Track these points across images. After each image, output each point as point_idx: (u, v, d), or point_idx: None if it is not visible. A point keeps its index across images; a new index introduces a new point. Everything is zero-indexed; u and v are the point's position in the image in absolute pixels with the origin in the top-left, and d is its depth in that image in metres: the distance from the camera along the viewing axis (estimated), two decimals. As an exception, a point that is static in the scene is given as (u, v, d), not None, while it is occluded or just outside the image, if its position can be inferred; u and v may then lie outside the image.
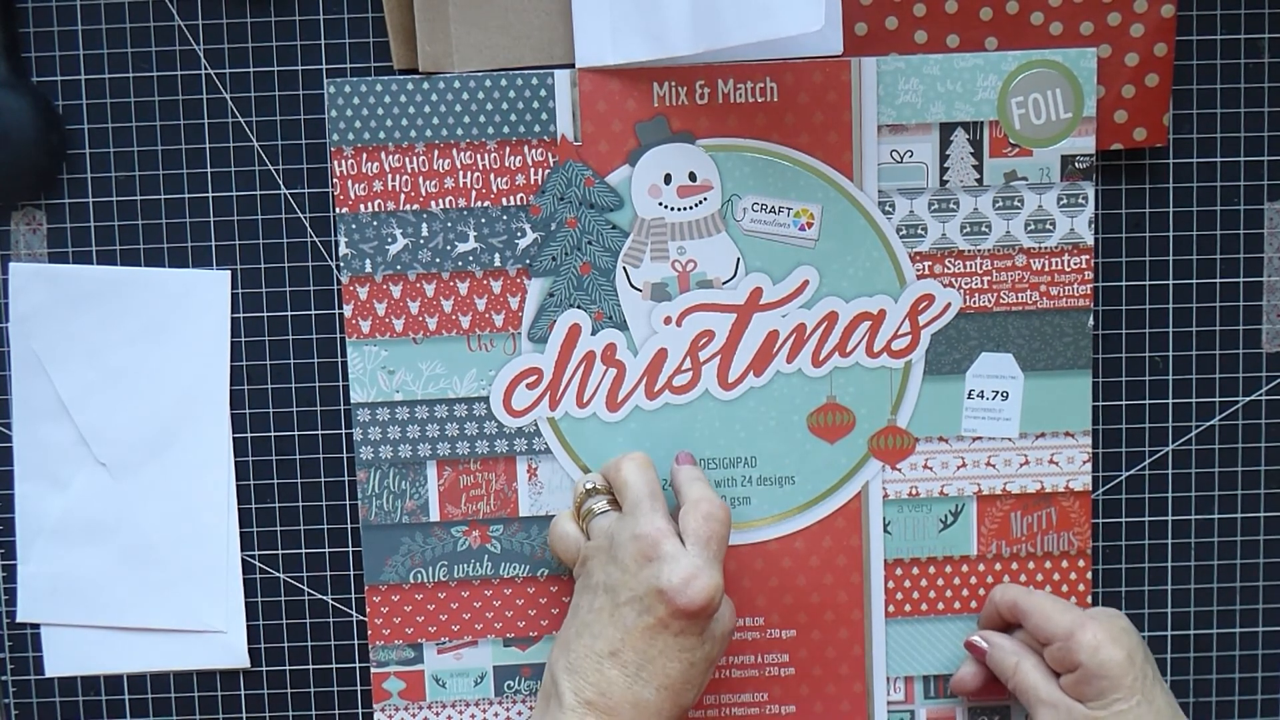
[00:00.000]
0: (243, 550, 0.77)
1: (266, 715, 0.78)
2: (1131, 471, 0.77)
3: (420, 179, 0.73)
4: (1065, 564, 0.76)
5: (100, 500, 0.76)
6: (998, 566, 0.76)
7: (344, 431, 0.76)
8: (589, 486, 0.72)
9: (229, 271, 0.75)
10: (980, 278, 0.74)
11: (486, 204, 0.74)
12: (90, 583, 0.77)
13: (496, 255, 0.74)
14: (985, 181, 0.74)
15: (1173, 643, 0.78)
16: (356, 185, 0.73)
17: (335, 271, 0.75)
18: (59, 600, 0.77)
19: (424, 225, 0.74)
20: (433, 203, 0.74)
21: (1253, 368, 0.77)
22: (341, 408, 0.76)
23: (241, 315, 0.76)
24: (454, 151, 0.73)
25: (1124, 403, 0.77)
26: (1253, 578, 0.78)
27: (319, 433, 0.76)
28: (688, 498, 0.69)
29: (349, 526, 0.77)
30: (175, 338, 0.75)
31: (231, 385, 0.76)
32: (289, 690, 0.78)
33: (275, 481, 0.77)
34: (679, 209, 0.74)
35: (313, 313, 0.76)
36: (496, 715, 0.77)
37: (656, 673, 0.65)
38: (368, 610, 0.76)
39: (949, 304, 0.75)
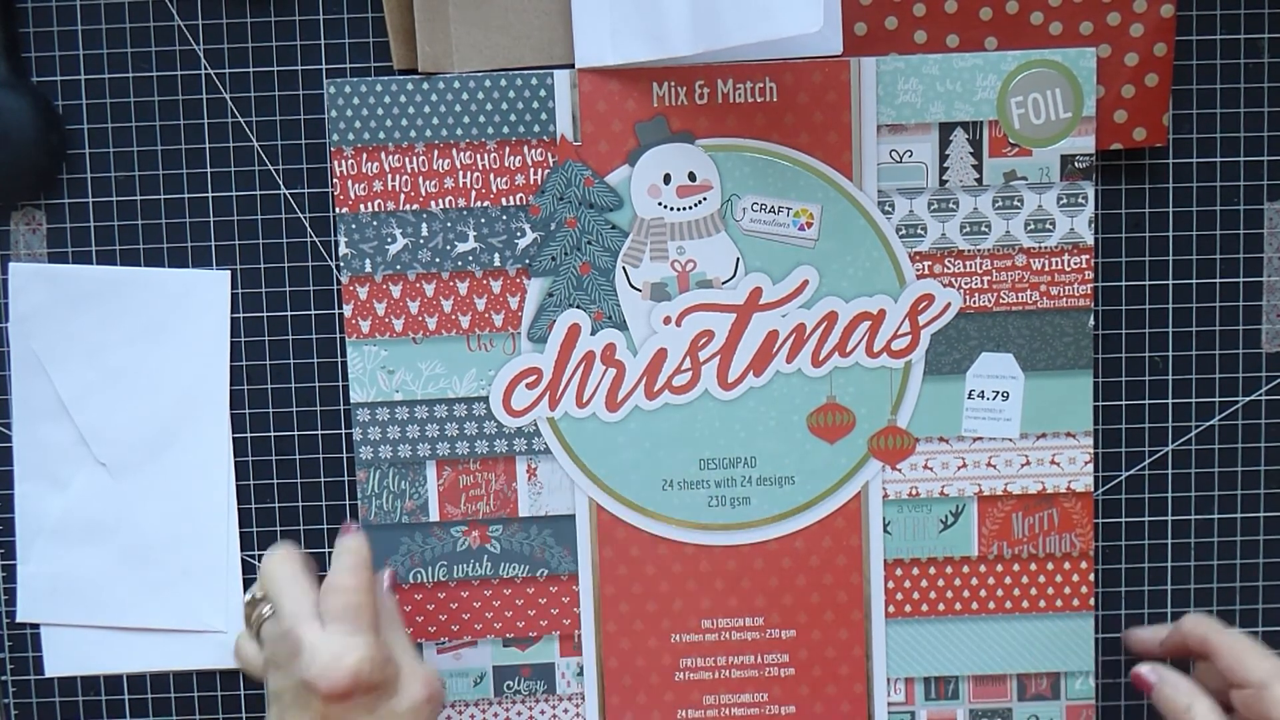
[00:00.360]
0: (243, 550, 0.77)
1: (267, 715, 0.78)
2: (1131, 471, 0.77)
3: (420, 179, 0.74)
4: (1067, 566, 0.76)
5: (100, 500, 0.76)
6: (999, 568, 0.76)
7: (344, 431, 0.76)
8: (250, 597, 0.67)
9: (229, 271, 0.76)
10: (980, 277, 0.74)
11: (486, 204, 0.74)
12: (90, 583, 0.77)
13: (496, 255, 0.74)
14: (985, 181, 0.74)
15: (1173, 643, 0.78)
16: (356, 185, 0.74)
17: (335, 271, 0.75)
18: (59, 600, 0.77)
19: (424, 225, 0.74)
20: (432, 203, 0.74)
21: (1253, 368, 0.77)
22: (341, 408, 0.76)
23: (241, 315, 0.76)
24: (454, 151, 0.73)
25: (1124, 403, 0.77)
26: (1253, 578, 0.78)
27: (319, 433, 0.76)
28: (330, 580, 0.65)
29: (349, 526, 0.77)
30: (175, 338, 0.75)
31: (231, 385, 0.76)
32: (289, 690, 0.78)
33: (275, 481, 0.77)
34: (678, 209, 0.74)
35: (313, 313, 0.76)
36: (496, 715, 0.77)
37: None
38: (367, 610, 0.76)
39: (949, 304, 0.75)
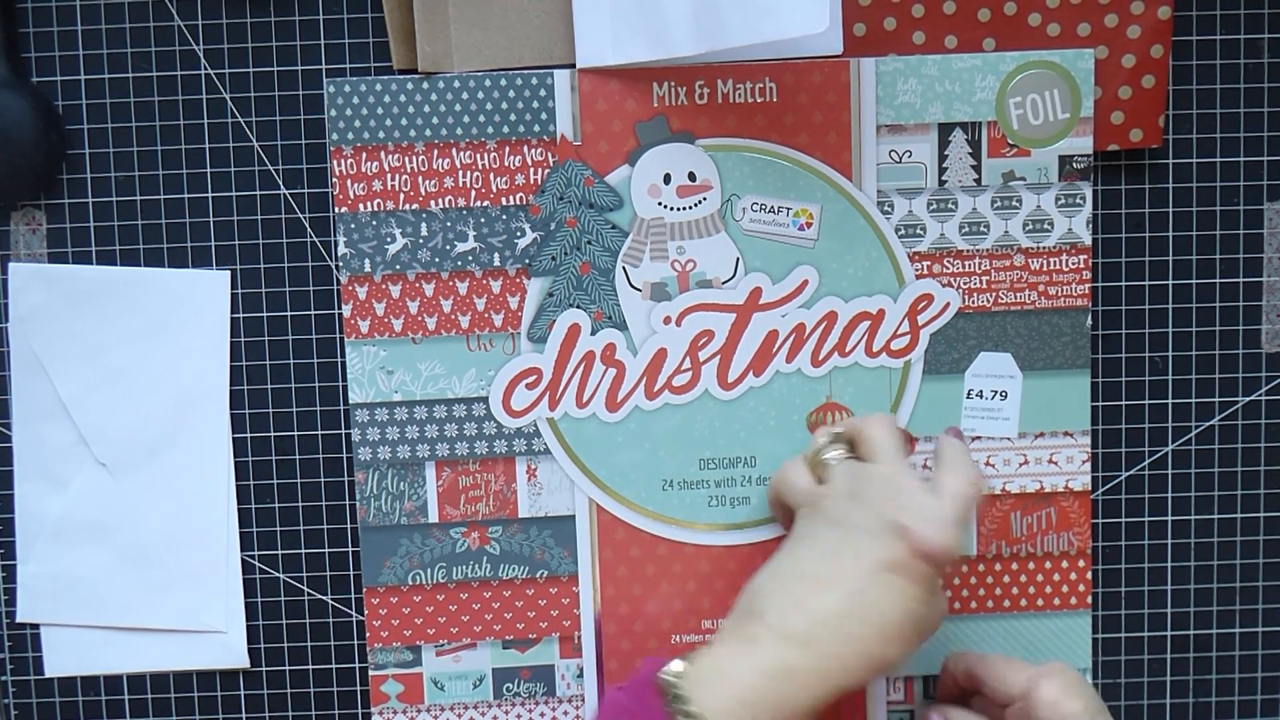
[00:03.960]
0: (243, 550, 0.77)
1: (266, 715, 0.78)
2: (1131, 471, 0.77)
3: (420, 179, 0.74)
4: (1065, 564, 0.76)
5: (100, 500, 0.76)
6: (997, 567, 0.76)
7: (344, 431, 0.76)
8: (832, 435, 0.69)
9: (229, 271, 0.76)
10: (979, 277, 0.75)
11: (486, 204, 0.74)
12: (90, 583, 0.77)
13: (496, 255, 0.74)
14: (984, 181, 0.74)
15: (1173, 643, 0.78)
16: (356, 185, 0.74)
17: (334, 271, 0.76)
18: (59, 600, 0.77)
19: (423, 225, 0.74)
20: (432, 202, 0.74)
21: (1253, 368, 0.77)
22: (341, 408, 0.76)
23: (241, 315, 0.76)
24: (453, 151, 0.74)
25: (1124, 403, 0.77)
26: (1253, 578, 0.78)
27: (319, 433, 0.76)
28: (954, 466, 0.66)
29: (348, 527, 0.77)
30: (175, 338, 0.76)
31: (231, 385, 0.76)
32: (289, 690, 0.78)
33: (275, 481, 0.77)
34: (678, 209, 0.74)
35: (312, 313, 0.76)
36: (495, 718, 0.77)
37: (873, 613, 0.62)
38: (366, 612, 0.76)
39: (948, 304, 0.75)
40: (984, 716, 0.71)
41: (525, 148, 0.73)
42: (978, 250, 0.74)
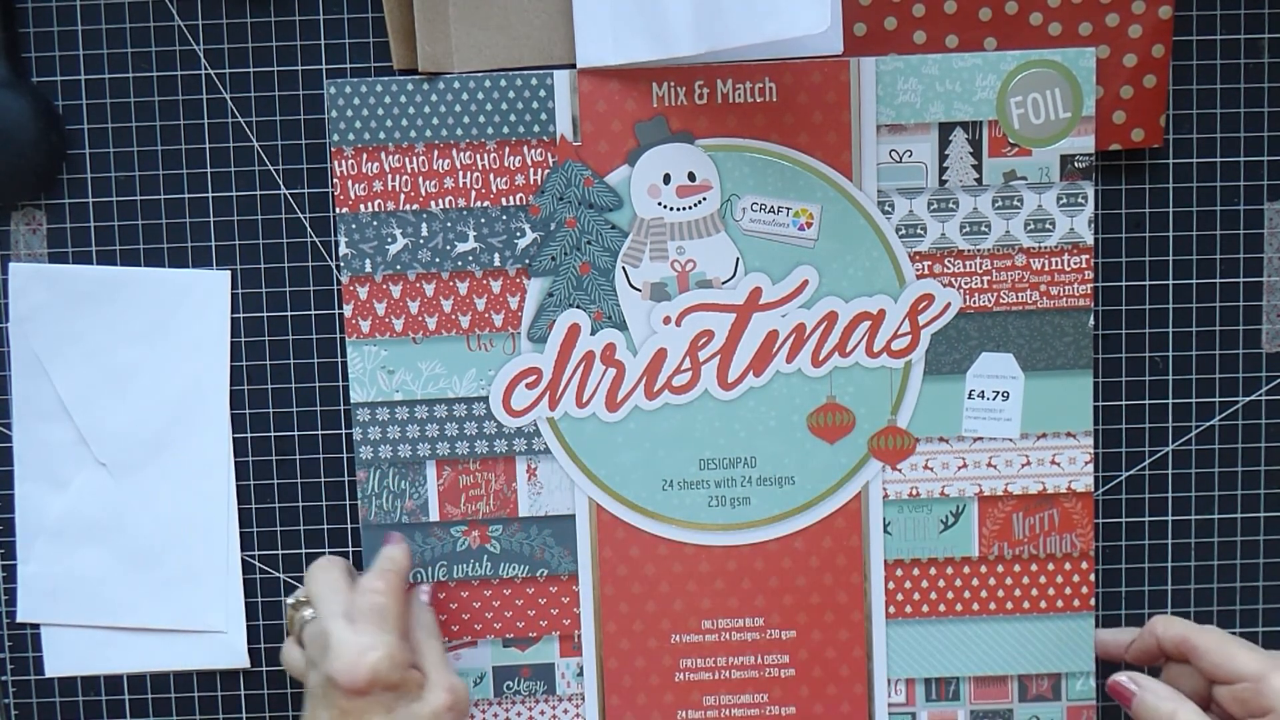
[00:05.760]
0: (243, 550, 0.77)
1: (266, 715, 0.78)
2: (1131, 471, 0.77)
3: (420, 179, 0.74)
4: (1068, 566, 0.76)
5: (100, 500, 0.76)
6: (1000, 568, 0.76)
7: (344, 431, 0.76)
8: (294, 600, 0.70)
9: (229, 271, 0.76)
10: (980, 277, 0.74)
11: (486, 204, 0.74)
12: (90, 583, 0.77)
13: (496, 255, 0.74)
14: (984, 181, 0.74)
15: (1173, 643, 0.78)
16: (356, 185, 0.74)
17: (335, 271, 0.76)
18: (59, 600, 0.77)
19: (424, 225, 0.74)
20: (432, 203, 0.74)
21: (1253, 368, 0.77)
22: (341, 408, 0.76)
23: (241, 315, 0.76)
24: (454, 152, 0.73)
25: (1124, 403, 0.77)
26: (1253, 578, 0.78)
27: (319, 433, 0.76)
28: (371, 571, 0.69)
29: (349, 526, 0.77)
30: (175, 338, 0.76)
31: (231, 385, 0.76)
32: (289, 690, 0.78)
33: (275, 481, 0.77)
34: (678, 209, 0.74)
35: (313, 313, 0.76)
36: (496, 716, 0.77)
37: None
38: (367, 610, 0.76)
39: (949, 304, 0.75)
40: (1173, 686, 0.68)
41: (525, 148, 0.73)
42: (979, 250, 0.74)
